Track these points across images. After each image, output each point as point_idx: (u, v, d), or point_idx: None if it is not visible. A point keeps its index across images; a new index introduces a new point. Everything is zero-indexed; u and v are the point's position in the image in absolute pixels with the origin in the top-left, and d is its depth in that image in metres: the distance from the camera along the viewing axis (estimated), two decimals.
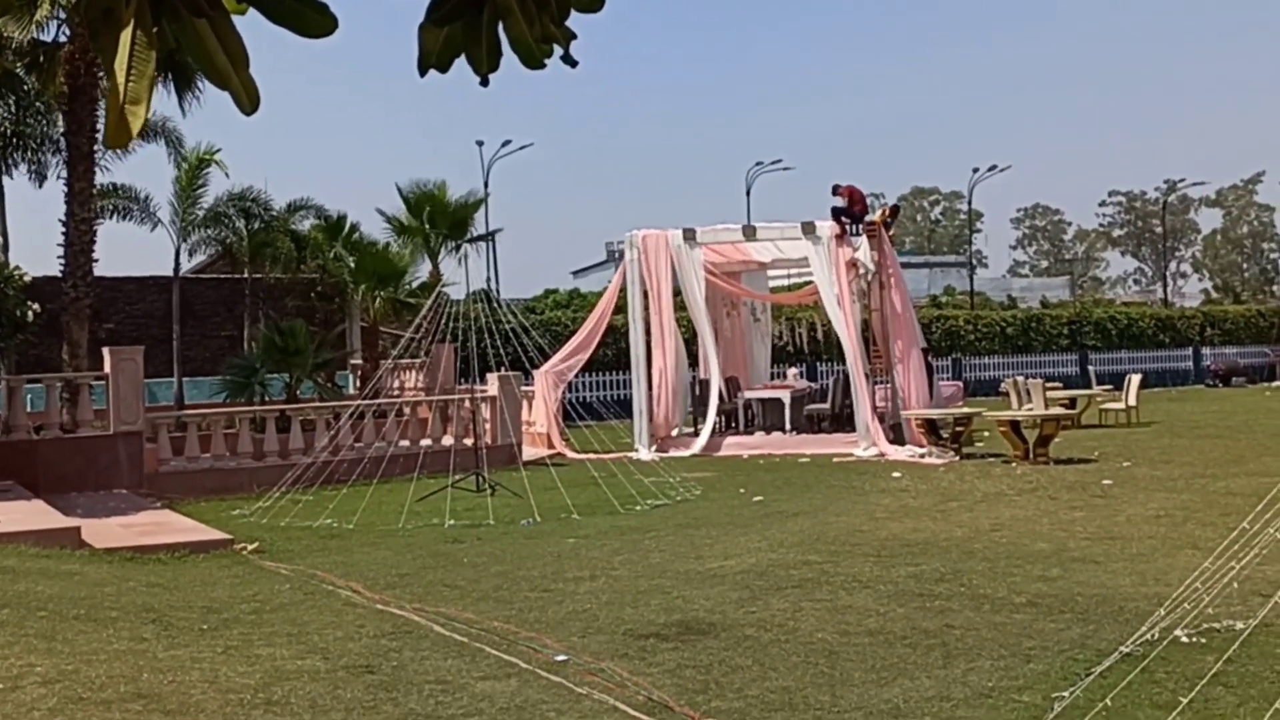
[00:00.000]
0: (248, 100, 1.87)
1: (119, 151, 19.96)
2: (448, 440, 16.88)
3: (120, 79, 1.72)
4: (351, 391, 21.24)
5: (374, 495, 13.95)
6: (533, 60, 1.85)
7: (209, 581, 9.24)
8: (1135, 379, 23.90)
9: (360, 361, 21.94)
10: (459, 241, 21.20)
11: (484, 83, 1.86)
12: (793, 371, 25.96)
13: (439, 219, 20.81)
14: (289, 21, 1.83)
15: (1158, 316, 40.97)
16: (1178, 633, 6.36)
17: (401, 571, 9.41)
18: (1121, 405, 23.17)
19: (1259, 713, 5.03)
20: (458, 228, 21.34)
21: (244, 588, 8.91)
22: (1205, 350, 39.73)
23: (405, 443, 16.61)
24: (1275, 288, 42.21)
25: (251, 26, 1.94)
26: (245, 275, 23.64)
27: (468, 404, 16.54)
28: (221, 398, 19.34)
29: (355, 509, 12.89)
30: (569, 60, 1.84)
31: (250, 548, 10.73)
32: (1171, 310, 44.73)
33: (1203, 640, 6.35)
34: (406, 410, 17.30)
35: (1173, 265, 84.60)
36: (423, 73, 1.85)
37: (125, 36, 1.72)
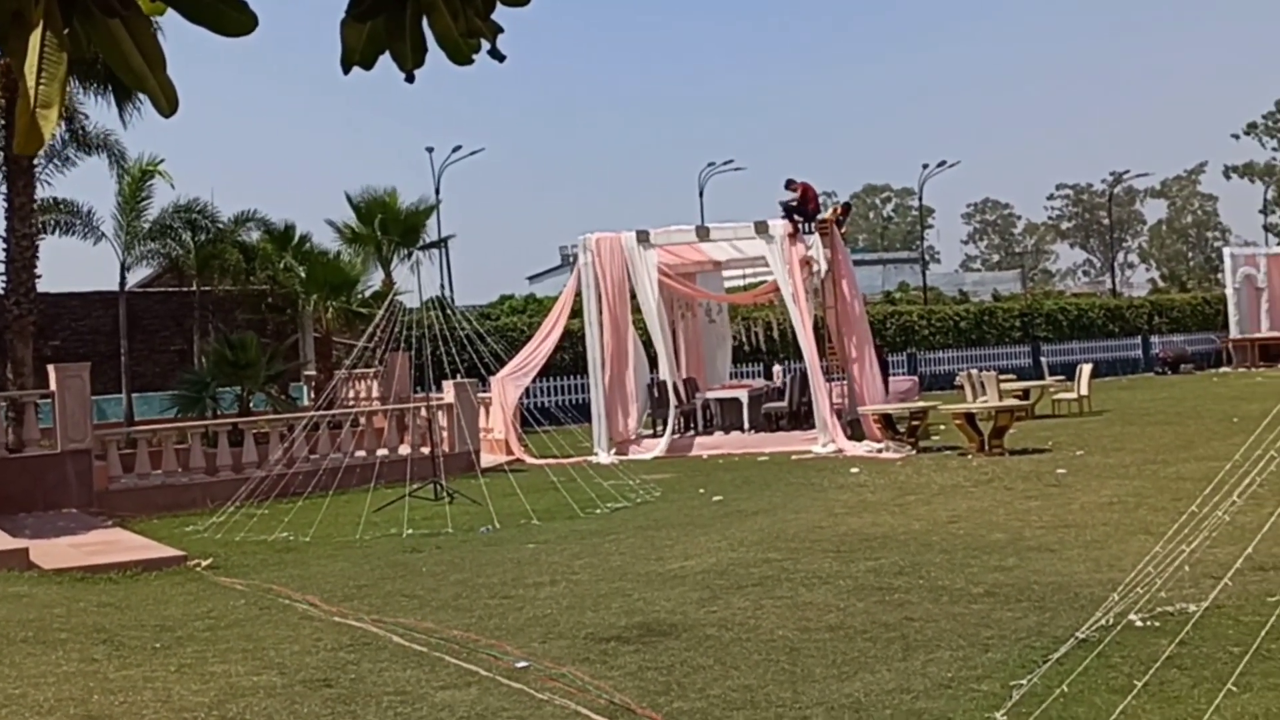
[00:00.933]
0: (165, 102, 1.82)
1: (59, 164, 19.63)
2: (404, 449, 16.74)
3: (30, 82, 1.67)
4: (306, 403, 21.02)
5: (330, 507, 13.79)
6: (459, 56, 1.82)
7: (162, 599, 9.09)
8: (1086, 369, 24.20)
9: (314, 372, 21.72)
10: (411, 249, 21.04)
11: (409, 79, 1.82)
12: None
13: (390, 226, 20.65)
14: (207, 20, 1.79)
15: (1107, 307, 41.54)
16: (1132, 617, 6.43)
17: (359, 583, 9.31)
18: (1074, 395, 23.45)
19: (1212, 693, 5.09)
20: (410, 235, 21.18)
21: (198, 604, 8.77)
22: (1154, 339, 40.33)
23: (361, 453, 16.46)
24: (1219, 275, 42.96)
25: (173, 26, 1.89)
26: (194, 288, 23.32)
27: (424, 412, 16.41)
28: (172, 413, 19.06)
29: (311, 521, 12.74)
30: (496, 55, 1.81)
31: (204, 564, 10.57)
32: (1120, 300, 45.37)
33: (1156, 624, 6.42)
34: (362, 420, 17.13)
35: (1120, 256, 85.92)
36: (346, 70, 1.81)
37: (35, 39, 1.67)
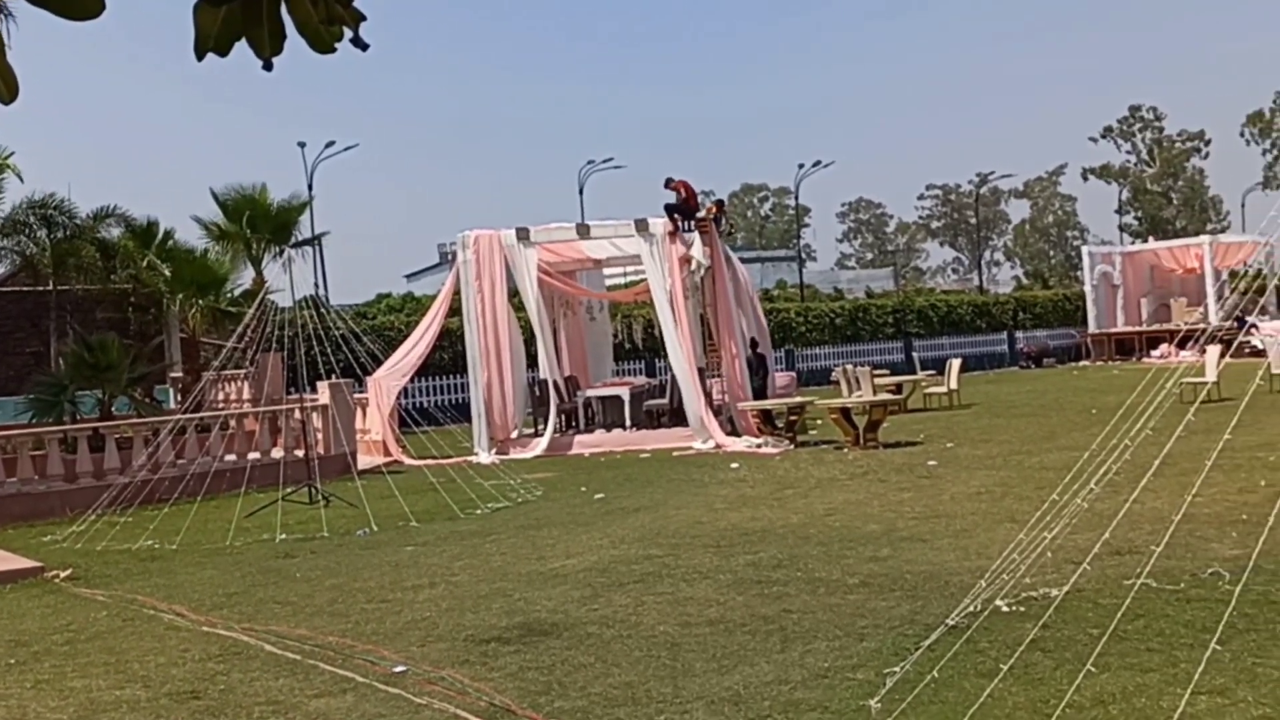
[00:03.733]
0: (5, 88, 1.71)
1: None
2: (277, 452, 16.29)
3: None
4: (172, 406, 20.27)
5: (199, 513, 13.34)
6: (320, 44, 1.76)
7: (17, 613, 8.66)
8: (955, 363, 24.98)
9: (180, 374, 20.96)
10: (283, 246, 20.45)
11: (267, 67, 1.75)
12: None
13: (260, 223, 20.03)
14: (50, 3, 1.69)
15: (974, 303, 42.97)
16: (998, 603, 6.65)
17: (229, 591, 9.02)
18: (944, 389, 24.17)
19: (1073, 674, 5.29)
20: (281, 232, 20.59)
21: (56, 617, 8.38)
22: (1018, 334, 41.89)
23: (232, 457, 15.96)
24: (1079, 273, 44.94)
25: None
26: (50, 288, 22.25)
27: (297, 414, 16.00)
28: (28, 418, 18.15)
29: (179, 528, 12.30)
30: (359, 43, 1.76)
31: (63, 575, 10.11)
32: (987, 297, 46.97)
33: (1021, 609, 6.65)
34: (232, 423, 16.61)
35: (987, 254, 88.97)
36: (199, 56, 1.73)
37: None
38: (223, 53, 1.74)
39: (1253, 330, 30.64)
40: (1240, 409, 9.52)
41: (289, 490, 13.71)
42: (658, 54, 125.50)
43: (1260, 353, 24.97)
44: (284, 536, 11.69)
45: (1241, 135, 76.75)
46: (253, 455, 16.24)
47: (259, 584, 9.24)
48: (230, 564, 10.39)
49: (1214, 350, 20.57)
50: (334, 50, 1.78)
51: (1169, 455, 7.29)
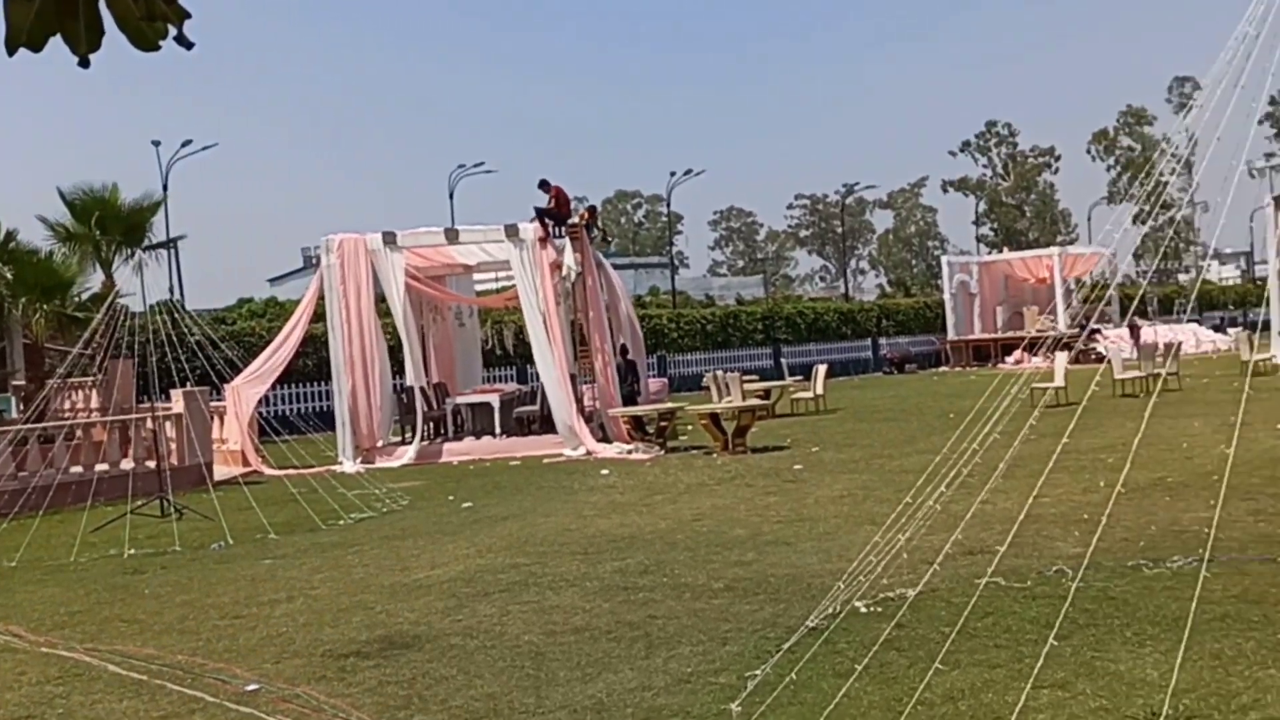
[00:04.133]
0: None
1: None
2: (127, 464, 15.62)
3: None
4: (14, 415, 19.24)
5: (41, 528, 12.70)
6: (143, 41, 1.68)
7: None
8: (822, 369, 25.54)
9: (23, 382, 19.90)
10: (135, 249, 19.62)
11: (83, 64, 1.67)
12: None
13: (111, 225, 19.14)
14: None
15: (840, 310, 44.05)
16: (857, 603, 6.81)
17: (72, 609, 8.60)
18: (810, 394, 24.67)
19: (925, 671, 5.44)
20: (133, 234, 19.71)
21: None
22: (882, 340, 43.11)
23: (78, 469, 15.23)
24: (939, 282, 46.48)
25: None
26: None
27: (149, 423, 15.38)
28: None
29: (18, 544, 11.68)
30: (183, 41, 1.68)
31: None
32: (852, 304, 48.23)
33: (878, 609, 6.82)
34: (79, 433, 15.85)
35: (852, 263, 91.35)
36: (11, 51, 1.63)
37: None
38: (36, 48, 1.65)
39: (1096, 337, 32.14)
40: (1081, 412, 9.99)
41: (139, 503, 13.17)
42: (532, 58, 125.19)
43: (1105, 358, 26.20)
44: (133, 551, 11.21)
45: (1088, 152, 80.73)
46: (100, 467, 15.55)
47: (104, 602, 8.84)
48: (74, 581, 9.90)
49: (1062, 356, 21.52)
50: (158, 48, 1.71)
51: (1018, 457, 7.60)
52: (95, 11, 1.65)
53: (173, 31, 1.70)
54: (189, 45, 1.69)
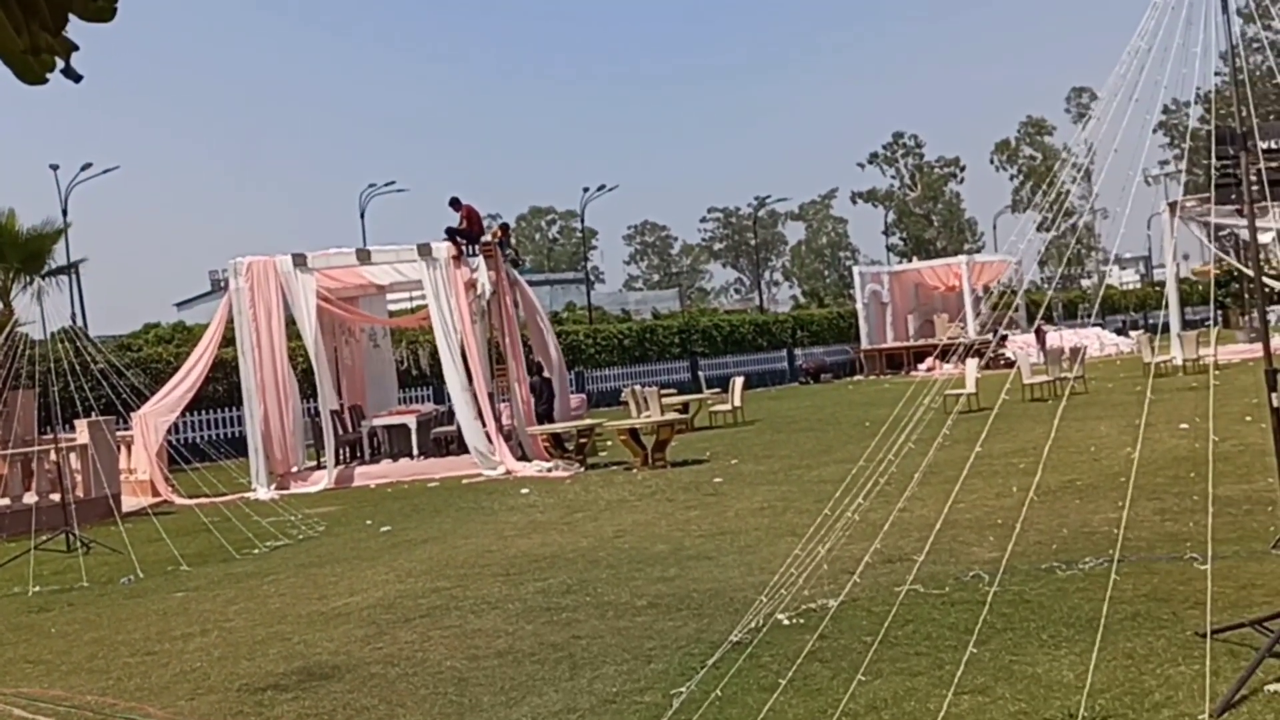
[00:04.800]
0: None
1: None
2: (30, 497, 15.08)
3: None
4: None
5: None
6: (28, 74, 1.62)
7: None
8: (739, 381, 25.74)
9: None
10: (34, 275, 19.03)
11: None
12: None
13: (9, 251, 18.60)
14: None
15: (756, 322, 44.47)
16: (779, 616, 6.85)
17: None
18: (728, 406, 24.85)
19: (848, 682, 5.49)
20: (33, 261, 19.18)
21: None
22: (798, 351, 43.62)
23: None
24: (851, 292, 47.33)
25: None
26: None
27: (52, 455, 14.87)
28: None
29: None
30: (71, 75, 1.63)
31: None
32: (767, 316, 48.71)
33: (801, 620, 6.86)
34: None
35: (766, 274, 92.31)
36: None
37: None
38: None
39: (1005, 343, 32.91)
40: (993, 418, 10.21)
41: (44, 538, 12.72)
42: (442, 75, 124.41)
43: (1013, 364, 26.85)
44: (37, 589, 10.81)
45: (991, 162, 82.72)
46: (1, 501, 14.99)
47: (8, 642, 8.51)
48: None
49: (972, 363, 22.00)
50: (45, 81, 1.65)
51: (933, 464, 7.74)
52: None
53: (60, 64, 1.64)
54: (77, 78, 1.63)
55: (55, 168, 35.01)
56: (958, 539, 8.93)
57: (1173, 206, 30.83)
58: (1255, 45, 48.81)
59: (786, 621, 6.83)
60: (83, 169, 34.98)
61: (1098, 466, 12.45)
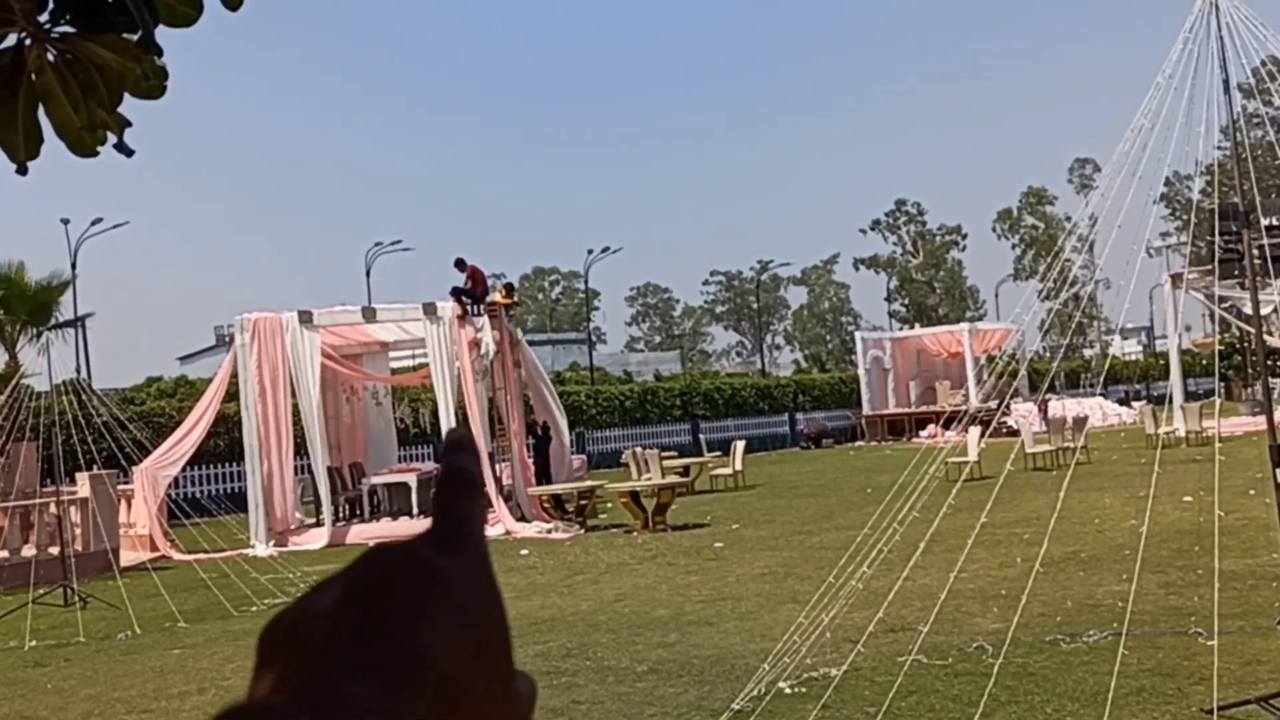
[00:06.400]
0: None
1: None
2: (29, 550, 15.03)
3: None
4: None
5: None
6: (82, 149, 1.68)
7: None
8: (740, 445, 25.70)
9: None
10: (41, 328, 19.15)
11: (21, 171, 1.66)
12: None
13: (16, 304, 18.73)
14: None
15: (757, 386, 44.50)
16: (781, 684, 6.80)
17: None
18: (729, 470, 24.79)
19: None
20: (40, 313, 19.30)
21: None
22: (799, 415, 43.59)
23: None
24: (853, 357, 47.48)
25: None
26: None
27: (53, 508, 14.85)
28: None
29: None
30: (124, 149, 1.69)
31: None
32: (769, 380, 48.74)
33: (803, 689, 6.82)
34: None
35: (768, 338, 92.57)
36: None
37: None
38: None
39: (1007, 411, 32.90)
40: (998, 488, 10.21)
41: (41, 592, 12.67)
42: (449, 137, 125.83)
43: (1016, 432, 26.82)
44: (34, 643, 10.75)
45: (993, 230, 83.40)
46: (0, 554, 14.93)
47: (3, 698, 8.45)
48: None
49: (975, 431, 21.99)
50: (96, 155, 1.71)
51: (936, 533, 7.73)
52: (35, 120, 1.65)
53: (112, 139, 1.71)
54: (129, 153, 1.70)
55: (66, 222, 35.31)
56: (961, 609, 8.89)
57: (1175, 278, 31.02)
58: (1255, 120, 49.51)
59: (789, 690, 6.78)
60: (93, 223, 35.29)
61: (1102, 538, 12.41)
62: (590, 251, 48.41)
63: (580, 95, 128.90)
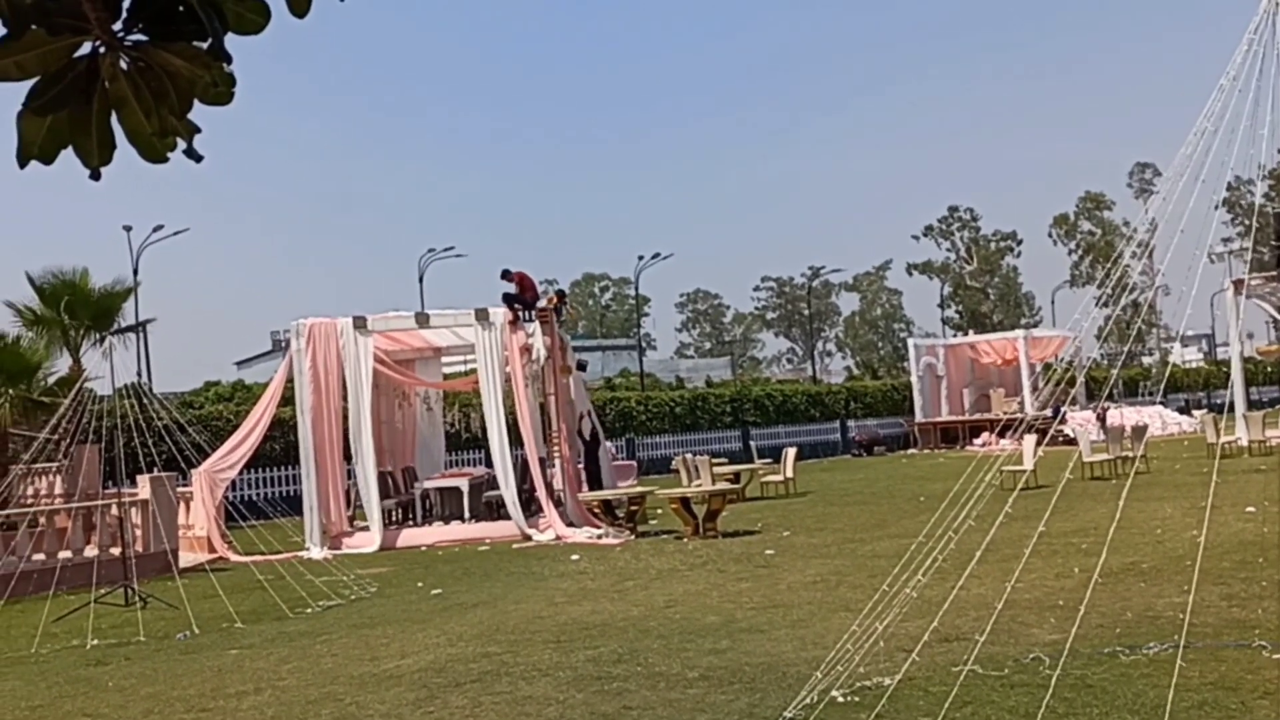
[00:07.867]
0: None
1: None
2: (91, 551, 15.34)
3: None
4: None
5: (1, 618, 12.40)
6: (153, 154, 1.72)
7: None
8: (791, 452, 25.57)
9: None
10: (104, 333, 19.51)
11: (95, 176, 1.71)
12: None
13: (80, 309, 19.08)
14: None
15: (808, 393, 44.23)
16: (834, 693, 6.75)
17: (33, 703, 8.38)
18: (780, 477, 24.67)
19: None
20: (102, 318, 19.64)
21: None
22: (850, 423, 43.26)
23: (40, 556, 14.93)
24: (906, 364, 47.04)
25: None
26: None
27: (114, 509, 15.15)
28: None
29: None
30: (193, 155, 1.73)
31: None
32: (820, 386, 48.45)
33: (856, 698, 6.76)
34: (42, 520, 15.58)
35: (819, 345, 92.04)
36: (22, 164, 1.67)
37: None
38: (48, 161, 1.68)
39: (1064, 420, 32.42)
40: (1055, 497, 10.07)
41: (103, 591, 12.91)
42: (501, 145, 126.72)
43: (1073, 440, 26.43)
44: (96, 642, 10.96)
45: (1049, 236, 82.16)
46: (64, 554, 15.24)
47: (66, 695, 8.62)
48: (35, 674, 9.66)
49: (1030, 439, 21.69)
50: (167, 160, 1.75)
51: (991, 542, 7.63)
52: (108, 127, 1.69)
53: (182, 145, 1.75)
54: (198, 158, 1.73)
55: (129, 229, 36.00)
56: (1017, 619, 8.77)
57: (1237, 284, 30.41)
58: None
59: (841, 699, 6.73)
60: (154, 230, 35.95)
61: (1162, 549, 12.18)
62: (641, 258, 48.43)
63: (632, 101, 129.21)
